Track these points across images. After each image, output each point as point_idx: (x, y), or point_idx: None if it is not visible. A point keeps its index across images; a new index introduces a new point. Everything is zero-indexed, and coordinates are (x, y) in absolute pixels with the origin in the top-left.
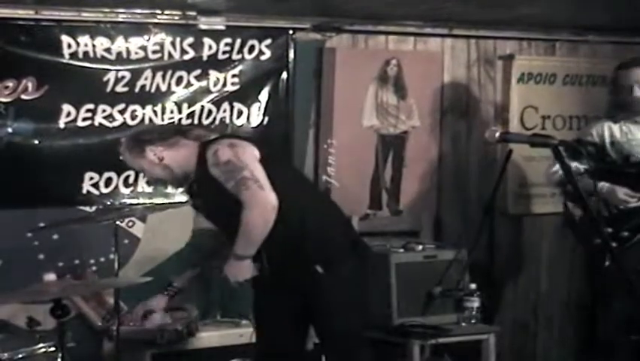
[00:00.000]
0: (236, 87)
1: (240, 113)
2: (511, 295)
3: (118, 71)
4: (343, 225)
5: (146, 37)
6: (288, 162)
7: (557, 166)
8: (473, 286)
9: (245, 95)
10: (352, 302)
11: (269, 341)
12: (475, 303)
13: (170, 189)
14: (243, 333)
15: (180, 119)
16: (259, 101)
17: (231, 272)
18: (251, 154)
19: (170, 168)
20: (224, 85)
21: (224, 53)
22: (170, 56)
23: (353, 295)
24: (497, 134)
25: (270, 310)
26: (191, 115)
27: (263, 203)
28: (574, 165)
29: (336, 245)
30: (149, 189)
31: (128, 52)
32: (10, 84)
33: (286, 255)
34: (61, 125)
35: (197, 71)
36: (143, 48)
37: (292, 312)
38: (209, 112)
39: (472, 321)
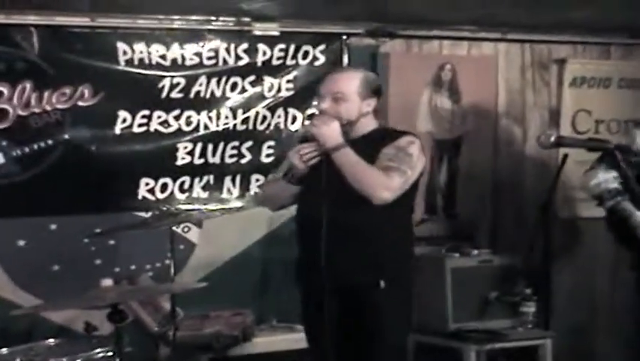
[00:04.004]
0: (291, 93)
1: (294, 118)
2: (567, 299)
3: (173, 77)
4: (410, 238)
5: (200, 43)
6: None
7: (600, 178)
8: (529, 290)
9: (299, 100)
10: (406, 316)
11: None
12: (531, 308)
13: (225, 195)
14: (299, 338)
15: (235, 125)
16: (313, 107)
17: (320, 128)
18: None
19: None
20: (279, 90)
21: (278, 58)
22: (225, 62)
23: (407, 310)
24: (552, 138)
25: (320, 324)
26: (245, 121)
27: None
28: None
29: (402, 259)
30: (205, 195)
31: (183, 58)
32: (67, 91)
33: (353, 268)
34: (117, 131)
35: (252, 77)
36: (198, 54)
37: (342, 326)
38: (264, 118)
39: (528, 326)
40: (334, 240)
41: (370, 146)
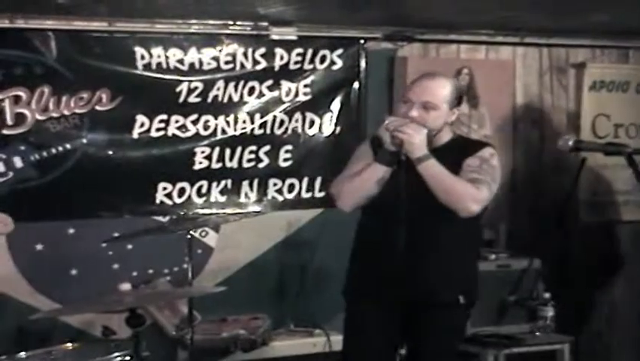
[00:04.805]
0: (308, 97)
1: (312, 123)
2: (586, 304)
3: (190, 81)
4: (479, 250)
5: (218, 48)
6: None
7: None
8: (547, 295)
9: (317, 104)
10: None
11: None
12: (549, 312)
13: (242, 199)
14: (316, 342)
15: (253, 130)
16: (331, 111)
17: (412, 137)
18: None
19: None
20: (296, 95)
21: (295, 63)
22: (243, 66)
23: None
24: (570, 143)
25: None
26: (263, 125)
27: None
28: None
29: (475, 273)
30: (222, 199)
31: (201, 63)
32: (85, 95)
33: (435, 283)
34: (135, 135)
35: (269, 82)
36: (216, 59)
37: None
38: (282, 122)
39: (547, 331)
40: (415, 253)
41: (452, 156)
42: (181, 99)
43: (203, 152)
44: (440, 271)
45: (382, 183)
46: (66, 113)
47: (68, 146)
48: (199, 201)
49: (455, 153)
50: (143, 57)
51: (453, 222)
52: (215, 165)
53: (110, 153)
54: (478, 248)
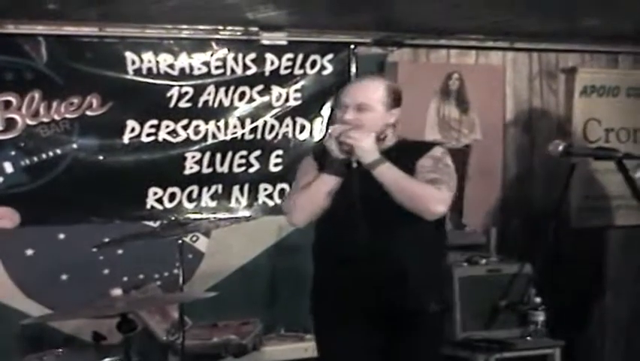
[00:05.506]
0: (299, 102)
1: (302, 127)
2: (577, 308)
3: (181, 86)
4: (444, 253)
5: (208, 53)
6: None
7: None
8: (538, 299)
9: (307, 109)
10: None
11: None
12: (540, 317)
13: (233, 204)
14: (307, 347)
15: (243, 134)
16: (321, 116)
17: (360, 141)
18: None
19: None
20: (287, 100)
21: (286, 68)
22: (233, 71)
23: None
24: (561, 148)
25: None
26: (254, 130)
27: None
28: None
29: (442, 277)
30: (213, 204)
31: (191, 68)
32: (75, 100)
33: (403, 291)
34: (126, 140)
35: (260, 87)
36: (206, 64)
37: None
38: (272, 127)
39: (537, 335)
40: (377, 261)
41: (401, 158)
42: (172, 104)
43: (193, 157)
44: (404, 278)
45: (333, 195)
46: (56, 118)
47: (59, 151)
48: (190, 206)
49: (404, 155)
50: (133, 62)
51: (412, 227)
52: (206, 170)
53: (101, 158)
54: (442, 252)
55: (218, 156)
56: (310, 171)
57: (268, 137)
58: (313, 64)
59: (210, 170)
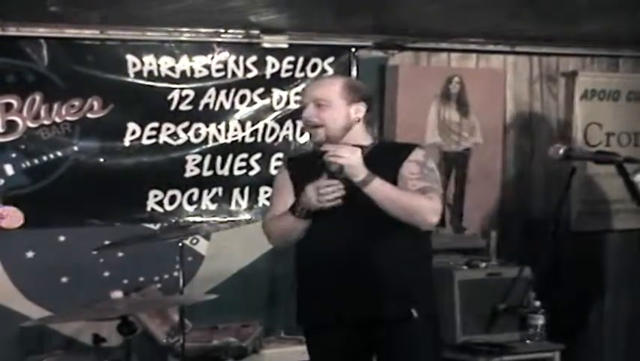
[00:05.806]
0: (300, 105)
1: (303, 131)
2: (577, 312)
3: (182, 89)
4: (431, 260)
5: (209, 55)
6: None
7: None
8: (538, 303)
9: None
10: (438, 344)
11: None
12: (539, 320)
13: (233, 207)
14: (306, 350)
15: (244, 137)
16: None
17: (350, 159)
18: None
19: None
20: (288, 103)
21: (287, 71)
22: (234, 74)
23: (438, 338)
24: (561, 151)
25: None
26: (254, 133)
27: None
28: None
29: (428, 285)
30: (213, 207)
31: (192, 70)
32: (76, 103)
33: (383, 300)
34: (127, 143)
35: (261, 89)
36: (207, 67)
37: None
38: (273, 130)
39: (537, 339)
40: (359, 271)
41: (382, 162)
42: (172, 107)
43: (194, 160)
44: (387, 287)
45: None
46: (57, 120)
47: (59, 153)
48: (190, 208)
49: (384, 159)
50: (134, 65)
51: (394, 234)
52: (207, 173)
53: (102, 160)
54: (427, 258)
55: (219, 158)
56: (284, 188)
57: (269, 140)
58: (314, 67)
59: (211, 173)
